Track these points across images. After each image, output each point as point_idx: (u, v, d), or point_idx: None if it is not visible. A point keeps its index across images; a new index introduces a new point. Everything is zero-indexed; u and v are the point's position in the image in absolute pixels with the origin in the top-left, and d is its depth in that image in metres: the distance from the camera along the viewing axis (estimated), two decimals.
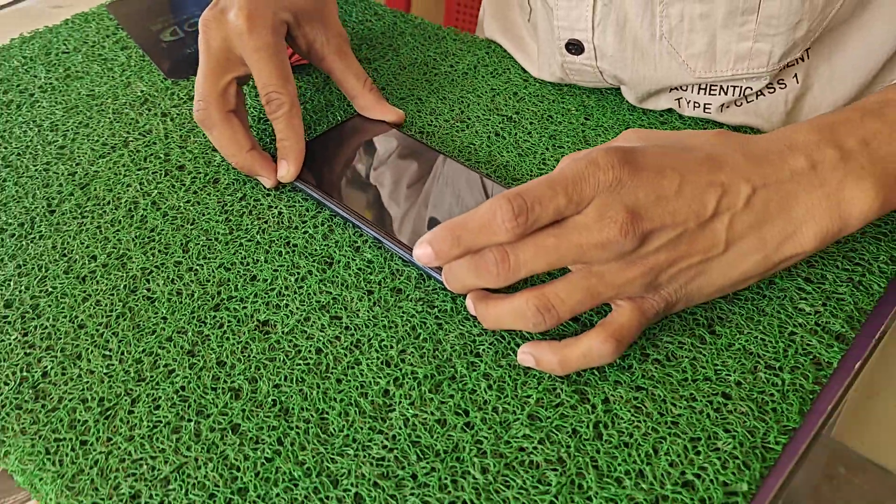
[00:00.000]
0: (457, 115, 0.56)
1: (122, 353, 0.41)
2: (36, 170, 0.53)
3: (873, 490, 0.45)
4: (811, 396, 0.36)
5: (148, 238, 0.47)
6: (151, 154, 0.54)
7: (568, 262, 0.36)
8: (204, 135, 0.55)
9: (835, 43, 0.50)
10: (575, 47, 0.53)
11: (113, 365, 0.40)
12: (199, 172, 0.52)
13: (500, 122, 0.55)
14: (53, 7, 0.74)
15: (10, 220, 0.49)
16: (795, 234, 0.36)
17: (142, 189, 0.51)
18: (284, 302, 0.43)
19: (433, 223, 0.45)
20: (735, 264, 0.37)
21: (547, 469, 0.34)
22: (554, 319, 0.36)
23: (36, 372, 0.40)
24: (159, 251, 0.46)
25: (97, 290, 0.44)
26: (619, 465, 0.34)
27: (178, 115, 0.57)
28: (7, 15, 0.74)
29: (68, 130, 0.56)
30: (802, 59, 0.50)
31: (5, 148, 0.55)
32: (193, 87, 0.59)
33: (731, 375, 0.38)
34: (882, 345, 0.39)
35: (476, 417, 0.37)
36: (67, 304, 0.43)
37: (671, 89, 0.53)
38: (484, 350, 0.40)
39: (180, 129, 0.56)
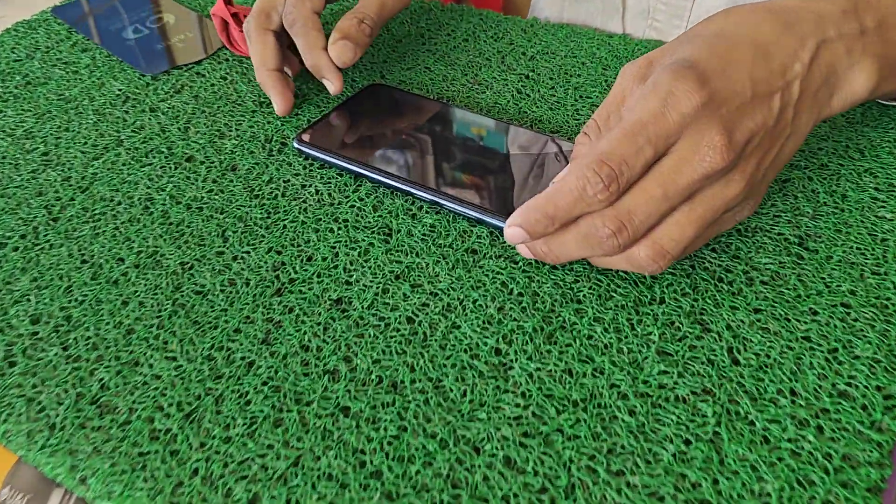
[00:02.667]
0: (472, 79, 0.53)
1: (188, 353, 0.36)
2: (21, 179, 0.47)
3: None
4: None
5: (177, 233, 0.43)
6: (152, 150, 0.49)
7: (677, 204, 0.34)
8: (206, 123, 0.51)
9: None
10: None
11: (181, 366, 0.35)
12: (213, 161, 0.47)
13: (518, 81, 0.53)
14: None
15: (8, 234, 0.43)
16: (831, 98, 0.38)
17: (153, 185, 0.46)
18: (354, 277, 0.39)
19: (496, 179, 0.42)
20: (799, 138, 0.37)
21: (697, 401, 0.32)
22: (667, 260, 0.35)
23: (92, 386, 0.35)
24: (195, 244, 0.42)
25: (136, 291, 0.39)
26: (768, 386, 0.33)
27: (168, 108, 0.52)
28: None
29: (48, 136, 0.50)
30: None
31: None
32: (175, 81, 0.55)
33: (842, 285, 0.37)
34: None
35: (603, 362, 0.34)
36: (106, 311, 0.38)
37: None
38: (585, 295, 0.37)
39: (176, 122, 0.51)
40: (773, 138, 0.35)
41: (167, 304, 0.38)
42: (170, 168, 0.47)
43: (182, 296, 0.39)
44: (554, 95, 0.51)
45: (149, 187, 0.46)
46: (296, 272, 0.40)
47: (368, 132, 0.47)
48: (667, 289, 0.38)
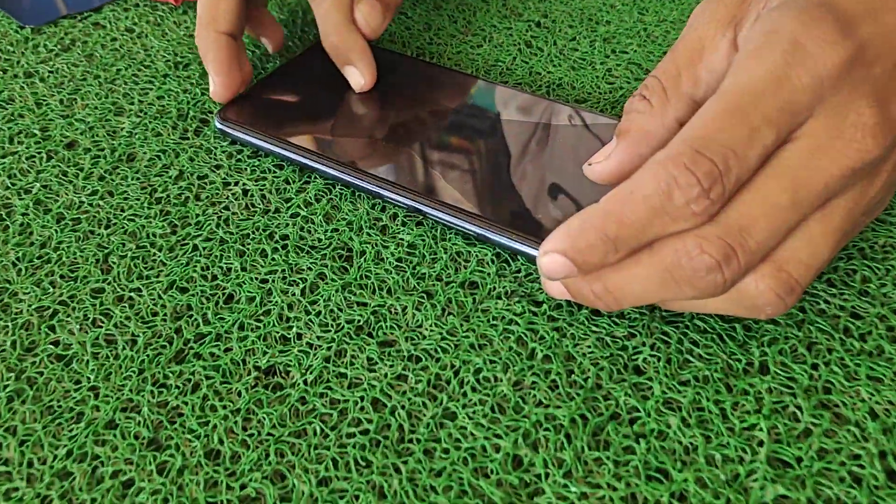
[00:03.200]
0: (464, 28, 0.39)
1: (32, 464, 0.23)
2: None
3: None
4: None
5: (39, 259, 0.29)
6: (20, 132, 0.35)
7: (808, 214, 0.21)
8: (99, 94, 0.37)
9: None
10: None
11: (18, 491, 0.22)
12: (101, 149, 0.34)
13: (526, 30, 0.39)
14: None
15: None
16: None
17: (13, 185, 0.32)
18: (294, 330, 0.26)
19: (498, 177, 0.29)
20: None
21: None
22: (795, 296, 0.22)
23: None
24: (63, 276, 0.28)
25: None
26: None
27: (49, 73, 0.38)
28: None
29: None
30: None
31: None
32: (63, 34, 0.40)
33: None
34: None
35: (686, 481, 0.21)
36: None
37: None
38: (647, 361, 0.24)
39: (58, 92, 0.37)
40: None
41: (8, 378, 0.25)
42: (41, 159, 0.33)
43: (33, 364, 0.25)
44: (577, 50, 0.38)
45: (7, 188, 0.32)
46: (207, 322, 0.26)
47: (320, 107, 0.33)
48: (768, 348, 0.25)
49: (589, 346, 0.25)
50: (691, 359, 0.24)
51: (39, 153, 0.34)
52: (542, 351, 0.25)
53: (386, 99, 0.33)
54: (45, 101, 0.36)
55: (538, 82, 0.36)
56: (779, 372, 0.24)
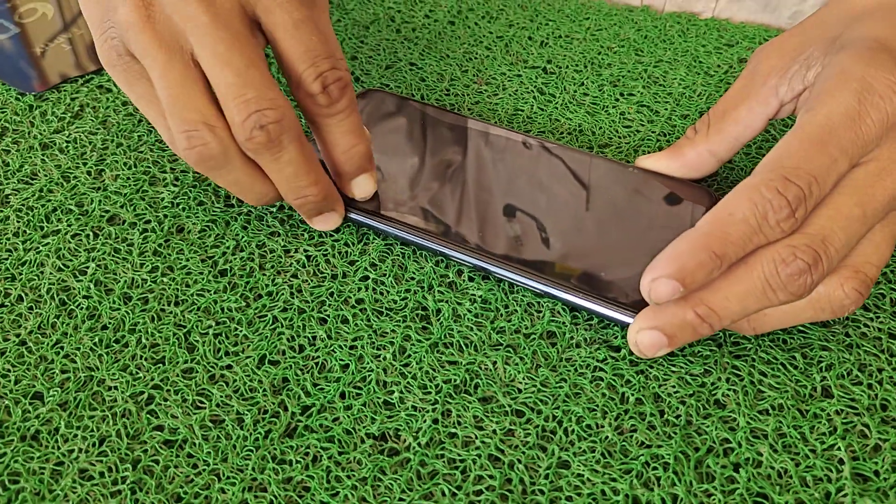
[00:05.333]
0: (477, 77, 0.41)
1: None
2: None
3: None
4: None
5: (117, 342, 0.29)
6: (55, 209, 0.34)
7: (873, 225, 0.26)
8: (127, 162, 0.36)
9: None
10: None
11: None
12: (148, 221, 0.34)
13: (536, 77, 0.41)
14: None
15: None
16: None
17: (66, 266, 0.32)
18: (396, 395, 0.27)
19: (562, 235, 0.31)
20: None
21: None
22: (868, 291, 0.26)
23: None
24: (148, 359, 0.29)
25: (70, 452, 0.26)
26: None
27: (66, 143, 0.38)
28: None
29: None
30: None
31: None
32: (69, 100, 0.40)
33: None
34: None
35: (787, 500, 0.24)
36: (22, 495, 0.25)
37: None
38: (726, 395, 0.27)
39: (83, 163, 0.37)
40: None
41: (124, 469, 0.25)
42: (86, 236, 0.33)
43: (145, 453, 0.26)
44: (587, 94, 0.40)
45: (60, 269, 0.32)
46: (308, 394, 0.27)
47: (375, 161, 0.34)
48: (827, 373, 0.28)
49: (673, 386, 0.27)
50: (764, 389, 0.27)
51: (83, 230, 0.33)
52: (632, 394, 0.27)
53: (438, 154, 0.34)
54: (71, 173, 0.36)
55: (559, 129, 0.38)
56: (842, 395, 0.27)
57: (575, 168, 0.33)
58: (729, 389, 0.27)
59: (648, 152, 0.37)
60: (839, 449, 0.26)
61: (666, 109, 0.39)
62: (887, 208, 0.25)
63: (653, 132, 0.38)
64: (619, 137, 0.37)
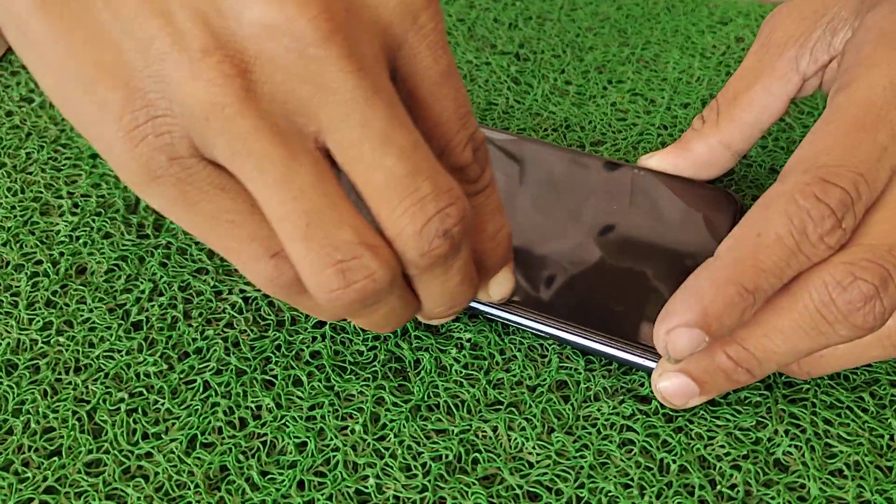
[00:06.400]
0: None
1: None
2: None
3: None
4: None
5: (0, 429, 0.22)
6: None
7: None
8: (12, 189, 0.29)
9: None
10: None
11: None
12: (38, 262, 0.27)
13: (508, 65, 0.35)
14: None
15: None
16: None
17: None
18: (371, 480, 0.21)
19: (565, 268, 0.25)
20: None
21: None
22: None
23: None
24: (38, 451, 0.22)
25: None
26: None
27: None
28: None
29: None
30: None
31: None
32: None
33: None
34: None
35: None
36: None
37: None
38: (789, 454, 0.22)
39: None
40: None
41: None
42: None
43: None
44: (570, 83, 0.34)
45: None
46: (256, 488, 0.21)
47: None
48: (878, 402, 0.22)
49: (721, 445, 0.22)
50: (833, 442, 0.22)
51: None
52: (673, 461, 0.21)
53: None
54: None
55: (542, 125, 0.32)
56: None
57: (571, 174, 0.27)
58: (791, 445, 0.22)
59: (649, 148, 0.31)
60: None
61: (663, 98, 0.33)
62: None
63: (651, 125, 0.32)
64: (614, 132, 0.32)
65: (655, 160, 0.28)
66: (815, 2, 0.25)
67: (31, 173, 0.30)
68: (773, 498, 0.21)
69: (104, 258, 0.27)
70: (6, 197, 0.29)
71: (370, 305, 0.18)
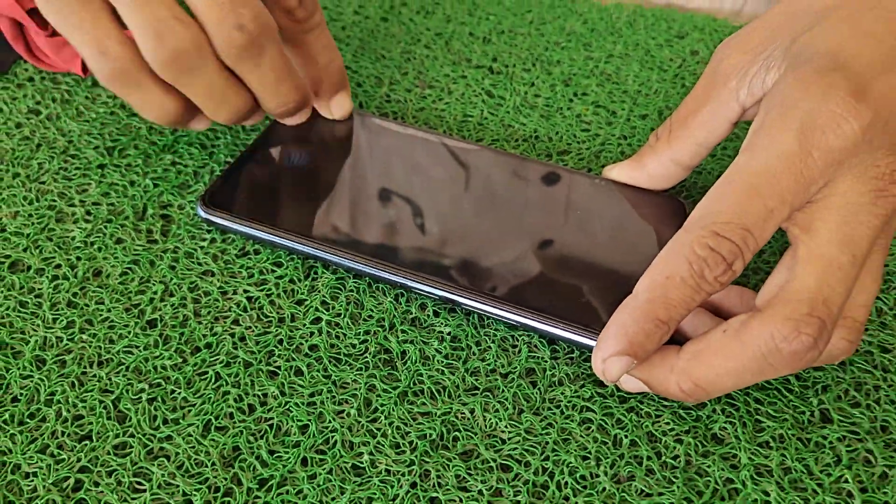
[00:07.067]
0: (419, 80, 0.38)
1: None
2: None
3: None
4: None
5: (32, 416, 0.25)
6: None
7: (863, 264, 0.23)
8: (27, 196, 0.32)
9: None
10: None
11: None
12: (58, 266, 0.29)
13: (483, 78, 0.38)
14: None
15: None
16: None
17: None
18: (366, 457, 0.24)
19: (530, 260, 0.28)
20: None
21: None
22: (862, 334, 0.24)
23: None
24: (71, 435, 0.25)
25: None
26: None
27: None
28: None
29: None
30: None
31: None
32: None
33: None
34: None
35: None
36: None
37: None
38: (723, 429, 0.25)
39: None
40: None
41: None
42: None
43: None
44: (539, 96, 0.37)
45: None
46: (265, 465, 0.24)
47: (318, 183, 0.31)
48: (824, 395, 0.26)
49: (667, 422, 0.25)
50: (762, 418, 0.25)
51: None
52: (625, 436, 0.25)
53: (388, 172, 0.31)
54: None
55: (514, 136, 0.35)
56: (841, 419, 0.26)
57: (540, 183, 0.31)
58: (726, 422, 0.25)
59: (610, 158, 0.34)
60: (846, 481, 0.24)
61: (623, 109, 0.37)
62: (871, 244, 0.23)
63: (612, 135, 0.35)
64: (579, 143, 0.35)
65: (615, 172, 0.31)
66: (759, 35, 0.27)
67: (44, 182, 0.32)
68: (709, 466, 0.24)
69: (118, 262, 0.30)
70: (23, 205, 0.31)
71: (188, 71, 0.26)
